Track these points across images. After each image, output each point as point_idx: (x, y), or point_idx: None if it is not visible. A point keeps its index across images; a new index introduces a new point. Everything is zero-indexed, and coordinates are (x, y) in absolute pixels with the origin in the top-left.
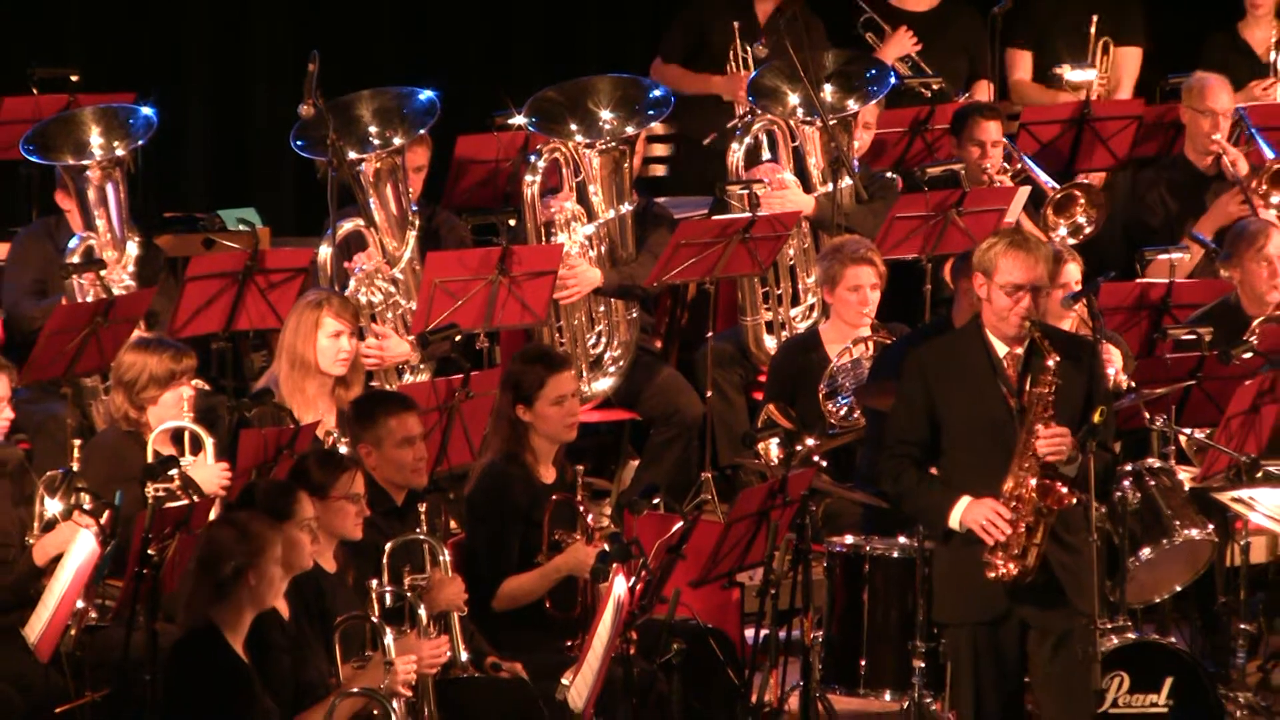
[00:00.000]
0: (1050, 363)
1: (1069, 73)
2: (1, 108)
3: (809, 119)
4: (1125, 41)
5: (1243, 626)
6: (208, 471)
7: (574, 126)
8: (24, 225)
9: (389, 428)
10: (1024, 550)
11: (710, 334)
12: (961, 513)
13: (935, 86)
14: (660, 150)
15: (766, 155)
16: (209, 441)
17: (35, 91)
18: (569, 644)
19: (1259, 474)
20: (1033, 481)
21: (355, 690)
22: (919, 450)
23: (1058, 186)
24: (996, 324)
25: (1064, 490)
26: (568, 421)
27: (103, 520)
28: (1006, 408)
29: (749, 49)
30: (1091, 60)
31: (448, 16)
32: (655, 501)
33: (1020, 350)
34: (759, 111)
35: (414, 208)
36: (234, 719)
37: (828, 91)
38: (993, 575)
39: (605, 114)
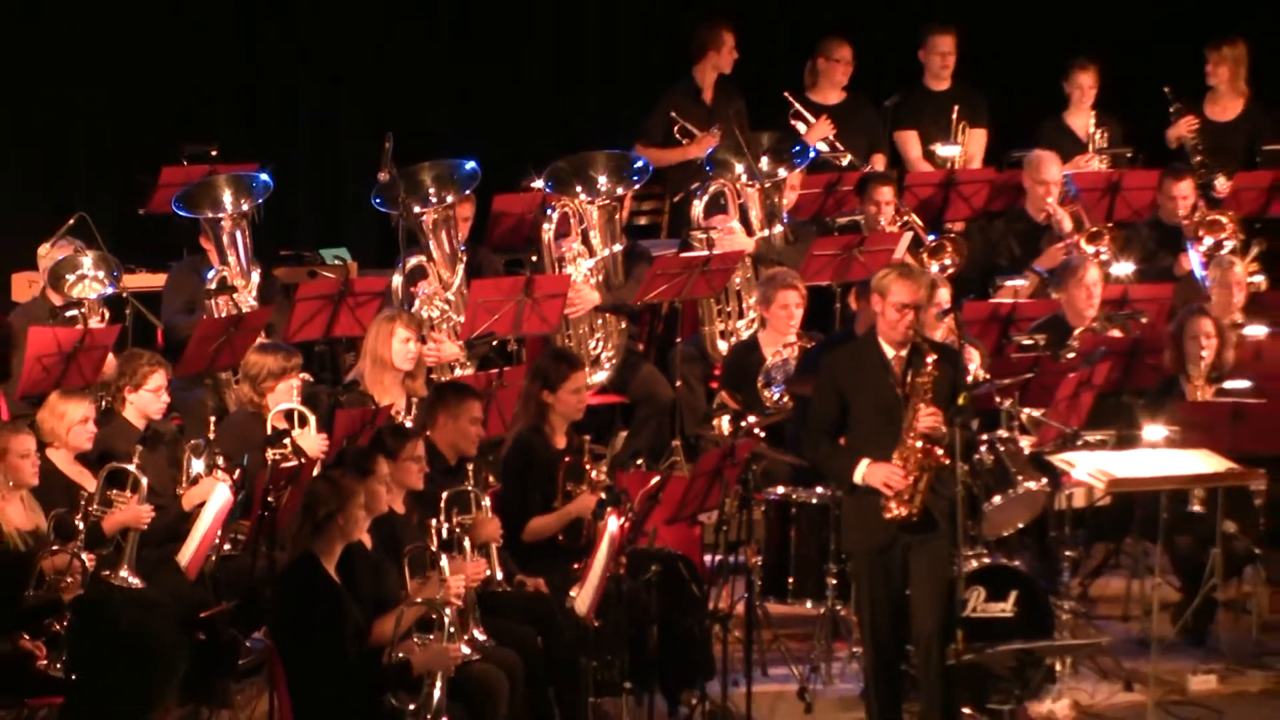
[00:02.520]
0: (929, 359)
1: (939, 149)
2: (160, 175)
3: (751, 182)
4: (976, 125)
5: (1068, 553)
6: (311, 441)
7: (579, 188)
8: (176, 261)
9: (467, 407)
10: (912, 497)
11: (679, 339)
12: (864, 472)
13: (844, 160)
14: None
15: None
16: (312, 419)
17: (185, 163)
18: (576, 566)
19: (1079, 442)
20: (918, 444)
21: (418, 600)
22: (831, 428)
23: (934, 237)
24: (888, 333)
25: (939, 452)
26: (580, 406)
27: (234, 476)
28: (895, 396)
29: (708, 130)
30: (954, 139)
31: (487, 107)
32: (639, 462)
33: (904, 353)
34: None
35: (462, 247)
36: (327, 623)
37: (764, 162)
38: (889, 517)
39: (602, 179)
